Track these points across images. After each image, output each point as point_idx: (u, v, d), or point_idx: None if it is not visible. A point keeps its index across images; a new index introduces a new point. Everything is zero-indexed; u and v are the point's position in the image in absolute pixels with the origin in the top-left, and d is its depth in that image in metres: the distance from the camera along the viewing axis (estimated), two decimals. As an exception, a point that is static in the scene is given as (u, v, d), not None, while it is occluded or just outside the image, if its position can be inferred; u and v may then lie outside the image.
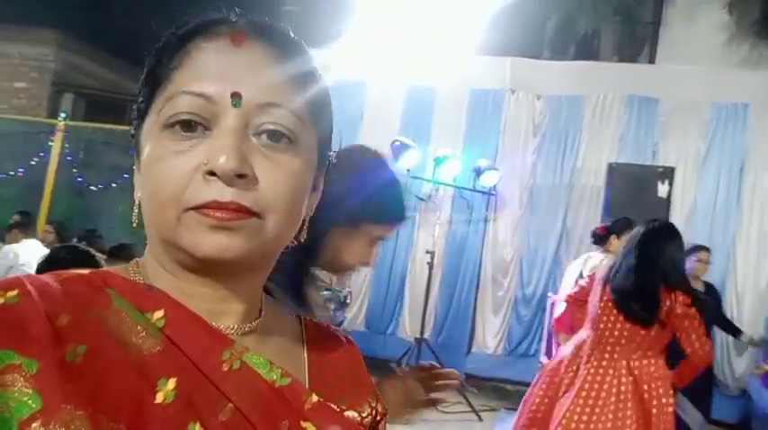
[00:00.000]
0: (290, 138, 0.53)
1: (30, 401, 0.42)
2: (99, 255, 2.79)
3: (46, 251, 3.69)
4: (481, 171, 5.61)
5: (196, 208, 0.49)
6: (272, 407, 0.53)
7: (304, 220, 0.59)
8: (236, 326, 0.56)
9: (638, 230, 2.77)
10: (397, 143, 5.25)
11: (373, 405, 0.66)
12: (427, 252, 5.44)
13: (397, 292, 6.28)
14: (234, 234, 0.50)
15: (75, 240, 5.12)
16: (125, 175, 7.27)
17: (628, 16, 7.49)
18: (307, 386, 0.60)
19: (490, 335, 6.08)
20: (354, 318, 6.26)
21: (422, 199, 5.81)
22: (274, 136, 0.52)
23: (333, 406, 0.59)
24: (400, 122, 6.27)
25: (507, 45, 6.69)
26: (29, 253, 4.43)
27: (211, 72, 0.51)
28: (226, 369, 0.52)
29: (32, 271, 2.50)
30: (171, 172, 0.49)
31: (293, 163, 0.54)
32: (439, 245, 5.79)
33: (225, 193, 0.49)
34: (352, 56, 6.35)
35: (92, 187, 7.44)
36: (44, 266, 2.45)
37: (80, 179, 7.54)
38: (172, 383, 0.48)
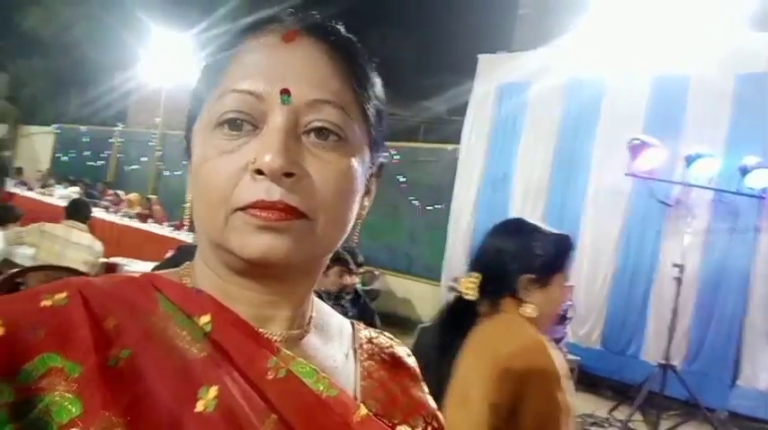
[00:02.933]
0: (340, 135, 0.51)
1: (70, 406, 0.42)
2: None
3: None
4: (748, 170, 4.66)
5: (244, 208, 0.48)
6: (317, 420, 0.50)
7: (356, 224, 0.56)
8: (282, 332, 0.54)
9: None
10: (637, 142, 4.69)
11: (428, 420, 0.60)
12: (675, 265, 4.72)
13: (639, 309, 5.58)
14: (281, 235, 0.48)
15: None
16: (368, 185, 7.99)
17: None
18: (355, 398, 0.56)
19: (761, 367, 4.99)
20: (588, 334, 5.78)
21: (668, 204, 5.07)
22: (322, 133, 0.50)
23: (383, 420, 0.55)
24: (644, 118, 5.59)
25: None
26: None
27: (261, 70, 0.50)
28: (271, 377, 0.50)
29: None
30: (219, 172, 0.49)
31: (342, 162, 0.51)
32: (691, 257, 4.98)
33: (272, 192, 0.47)
34: (589, 51, 5.94)
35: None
36: None
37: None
38: (213, 391, 0.46)
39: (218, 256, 0.52)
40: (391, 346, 0.66)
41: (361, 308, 3.65)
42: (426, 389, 0.65)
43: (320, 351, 0.57)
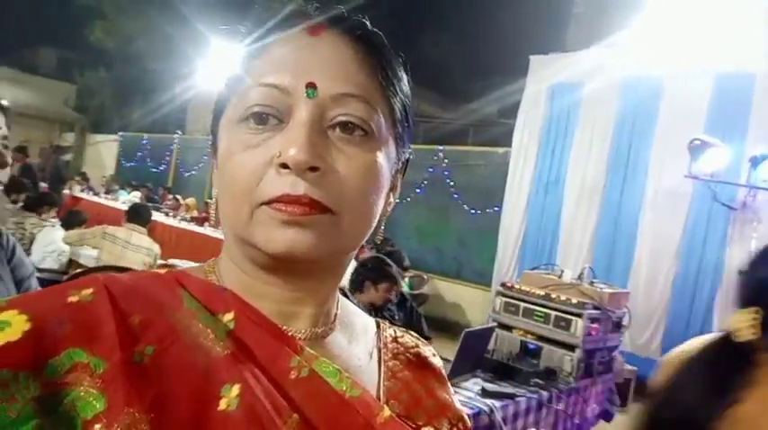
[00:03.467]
0: (365, 130, 0.50)
1: (95, 402, 0.42)
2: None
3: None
4: (820, 171, 4.38)
5: (269, 202, 0.48)
6: (340, 420, 0.49)
7: (380, 220, 0.55)
8: (306, 330, 0.54)
9: None
10: (698, 142, 4.48)
11: (454, 422, 0.59)
12: (740, 272, 4.46)
13: (703, 318, 5.30)
14: (305, 230, 0.48)
15: (369, 248, 5.79)
16: (417, 190, 7.96)
17: None
18: (379, 398, 0.55)
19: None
20: (647, 343, 5.54)
21: (732, 207, 4.81)
22: (348, 128, 0.50)
23: (407, 421, 0.54)
24: (705, 117, 5.33)
25: None
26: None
27: (286, 64, 0.50)
28: (293, 376, 0.49)
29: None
30: (244, 166, 0.49)
31: (367, 157, 0.50)
32: (759, 264, 4.69)
33: (297, 186, 0.47)
34: (646, 49, 5.73)
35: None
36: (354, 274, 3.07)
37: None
38: (236, 390, 0.46)
39: (242, 251, 0.52)
40: (416, 346, 0.65)
41: (408, 311, 3.63)
42: (452, 391, 0.64)
43: (344, 350, 0.57)
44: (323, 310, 0.56)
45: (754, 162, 4.53)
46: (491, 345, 3.25)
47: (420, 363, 0.63)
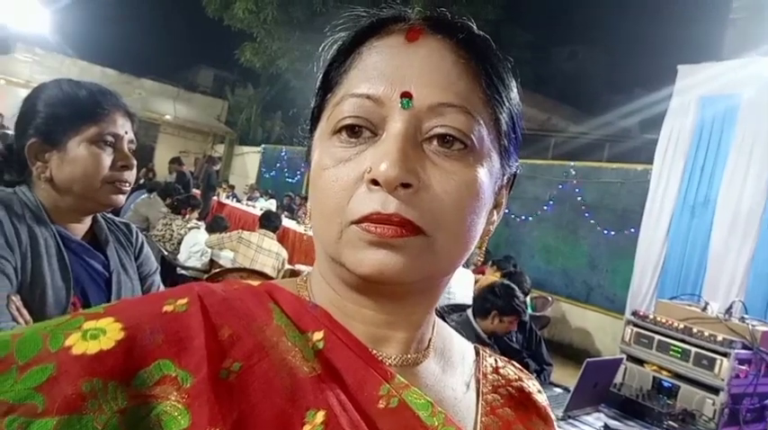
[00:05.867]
0: (465, 143, 0.46)
1: (180, 417, 0.40)
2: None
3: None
4: None
5: (359, 221, 0.45)
6: None
7: (482, 241, 0.50)
8: (397, 356, 0.50)
9: None
10: None
11: None
12: None
13: None
14: (396, 251, 0.44)
15: (490, 265, 5.64)
16: (544, 207, 7.64)
17: None
18: None
19: None
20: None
21: None
22: (446, 141, 0.46)
23: None
24: None
25: None
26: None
27: (381, 72, 0.47)
28: (382, 406, 0.46)
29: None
30: (335, 182, 0.47)
31: (467, 172, 0.46)
32: None
33: (388, 204, 0.44)
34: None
35: (516, 218, 8.09)
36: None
37: (506, 211, 8.31)
38: (321, 417, 0.44)
39: (333, 270, 0.50)
40: (520, 379, 0.59)
41: (528, 334, 3.46)
42: None
43: (439, 379, 0.53)
44: (416, 336, 0.52)
45: None
46: (618, 379, 2.99)
47: (523, 399, 0.57)
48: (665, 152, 6.33)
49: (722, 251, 5.62)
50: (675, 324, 2.98)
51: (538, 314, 6.34)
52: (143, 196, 6.09)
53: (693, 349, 2.85)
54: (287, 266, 4.98)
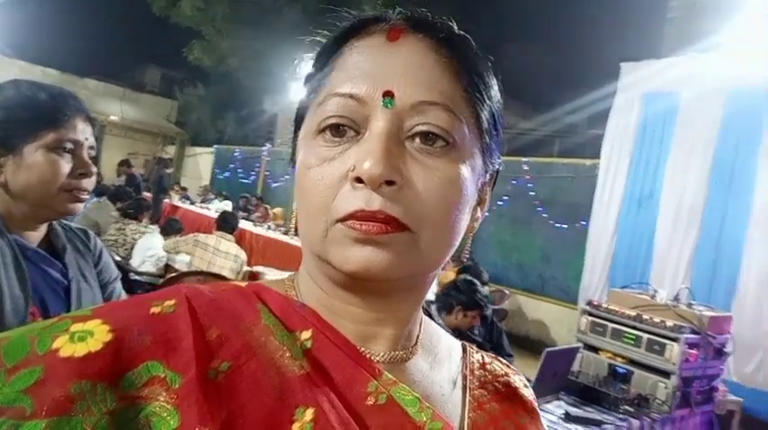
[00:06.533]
0: (447, 140, 0.47)
1: (169, 418, 0.40)
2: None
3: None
4: None
5: (344, 219, 0.45)
6: None
7: (466, 237, 0.51)
8: (385, 353, 0.51)
9: None
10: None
11: None
12: None
13: (821, 349, 4.78)
14: (381, 248, 0.45)
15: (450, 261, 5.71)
16: (499, 202, 7.78)
17: None
18: None
19: None
20: (755, 372, 5.05)
21: None
22: (429, 138, 0.46)
23: None
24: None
25: None
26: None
27: (363, 72, 0.48)
28: (370, 403, 0.47)
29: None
30: (319, 181, 0.47)
31: (450, 169, 0.47)
32: None
33: (372, 201, 0.44)
34: (750, 54, 5.29)
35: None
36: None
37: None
38: (310, 414, 0.44)
39: (320, 268, 0.51)
40: (506, 375, 0.61)
41: (489, 327, 3.53)
42: (545, 427, 0.59)
43: (426, 375, 0.53)
44: (404, 332, 0.53)
45: None
46: (576, 367, 3.09)
47: (510, 394, 0.59)
48: (612, 147, 6.57)
49: (667, 241, 5.88)
50: (627, 312, 3.10)
51: (496, 307, 6.47)
52: (92, 200, 5.88)
53: (645, 335, 2.97)
54: (245, 268, 4.91)
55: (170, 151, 17.42)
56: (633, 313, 3.08)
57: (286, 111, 13.01)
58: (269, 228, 8.64)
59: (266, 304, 0.50)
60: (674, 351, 2.84)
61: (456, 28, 0.51)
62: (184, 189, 12.59)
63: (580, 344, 3.16)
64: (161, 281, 4.16)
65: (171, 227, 5.69)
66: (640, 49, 7.18)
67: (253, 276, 5.12)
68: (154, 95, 18.99)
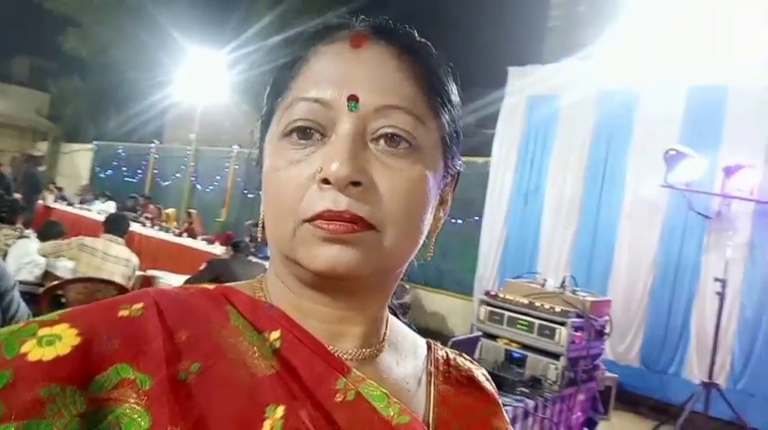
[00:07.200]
0: (410, 142, 0.49)
1: (139, 419, 0.41)
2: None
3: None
4: (793, 181, 4.51)
5: (311, 219, 0.47)
6: None
7: (430, 236, 0.54)
8: (354, 350, 0.53)
9: None
10: (673, 152, 4.58)
11: None
12: (717, 280, 4.57)
13: (681, 326, 5.40)
14: (348, 246, 0.47)
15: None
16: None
17: None
18: (428, 425, 0.53)
19: (812, 387, 4.77)
20: (626, 351, 5.61)
21: (707, 216, 4.93)
22: (392, 140, 0.49)
23: None
24: (680, 128, 5.46)
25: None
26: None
27: (328, 77, 0.49)
28: (339, 399, 0.48)
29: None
30: (287, 182, 0.48)
31: (413, 170, 0.49)
32: (734, 271, 4.81)
33: (339, 202, 0.46)
34: (620, 61, 5.85)
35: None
36: None
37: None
38: (281, 411, 0.45)
39: (288, 269, 0.52)
40: (469, 370, 0.63)
41: (393, 321, 3.62)
42: (507, 418, 0.62)
43: (393, 372, 0.55)
44: (371, 330, 0.54)
45: (728, 172, 4.65)
46: (476, 354, 3.26)
47: (473, 388, 0.61)
48: (501, 147, 7.00)
49: (551, 233, 6.38)
50: (521, 300, 3.33)
51: (399, 301, 6.61)
52: (-48, 203, 5.24)
53: (537, 321, 3.20)
54: (137, 273, 4.63)
55: (42, 148, 15.92)
56: (526, 301, 3.31)
57: (176, 107, 12.37)
58: (161, 229, 8.21)
59: (235, 306, 0.51)
60: (563, 334, 3.09)
61: (417, 35, 0.53)
62: (60, 189, 11.58)
63: (480, 333, 3.33)
64: (41, 290, 3.81)
65: (50, 230, 5.21)
66: (526, 54, 7.66)
67: (146, 281, 4.84)
68: (22, 87, 17.24)
